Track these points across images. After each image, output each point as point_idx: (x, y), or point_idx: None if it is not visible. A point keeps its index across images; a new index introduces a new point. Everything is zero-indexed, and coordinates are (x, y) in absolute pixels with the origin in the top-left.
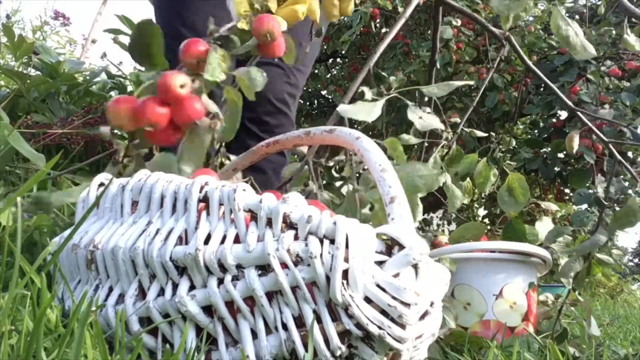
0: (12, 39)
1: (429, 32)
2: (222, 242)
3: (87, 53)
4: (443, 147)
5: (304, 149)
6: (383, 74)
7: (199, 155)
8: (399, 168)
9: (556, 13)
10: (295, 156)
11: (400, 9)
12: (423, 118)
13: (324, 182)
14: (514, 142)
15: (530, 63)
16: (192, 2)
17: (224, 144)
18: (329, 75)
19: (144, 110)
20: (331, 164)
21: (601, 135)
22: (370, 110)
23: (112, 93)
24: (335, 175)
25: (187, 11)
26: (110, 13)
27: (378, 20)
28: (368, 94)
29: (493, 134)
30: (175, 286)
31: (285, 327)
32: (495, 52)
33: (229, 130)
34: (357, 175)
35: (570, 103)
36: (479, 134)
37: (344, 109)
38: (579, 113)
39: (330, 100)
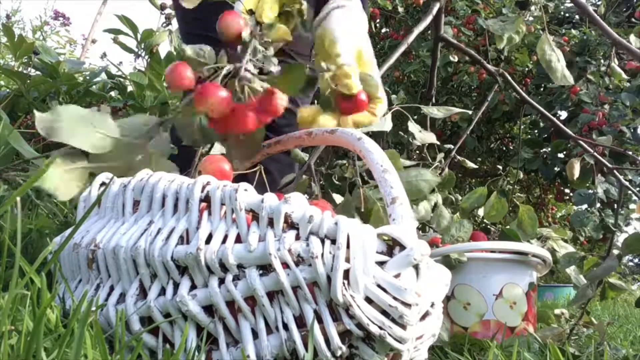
0: (12, 39)
1: (429, 31)
2: (224, 241)
3: (87, 53)
4: (436, 169)
5: (305, 157)
6: (386, 88)
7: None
8: (405, 172)
9: (544, 38)
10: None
11: (400, 9)
12: (422, 132)
13: (322, 191)
14: (521, 175)
15: (525, 95)
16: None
17: None
18: None
19: (245, 118)
20: (331, 171)
21: (605, 161)
22: (382, 123)
23: (112, 93)
24: (336, 182)
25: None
26: (110, 13)
27: (378, 20)
28: None
29: (500, 167)
30: (176, 286)
31: (286, 327)
32: (495, 52)
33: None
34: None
35: (570, 132)
36: (470, 164)
37: None
38: (580, 142)
39: None
